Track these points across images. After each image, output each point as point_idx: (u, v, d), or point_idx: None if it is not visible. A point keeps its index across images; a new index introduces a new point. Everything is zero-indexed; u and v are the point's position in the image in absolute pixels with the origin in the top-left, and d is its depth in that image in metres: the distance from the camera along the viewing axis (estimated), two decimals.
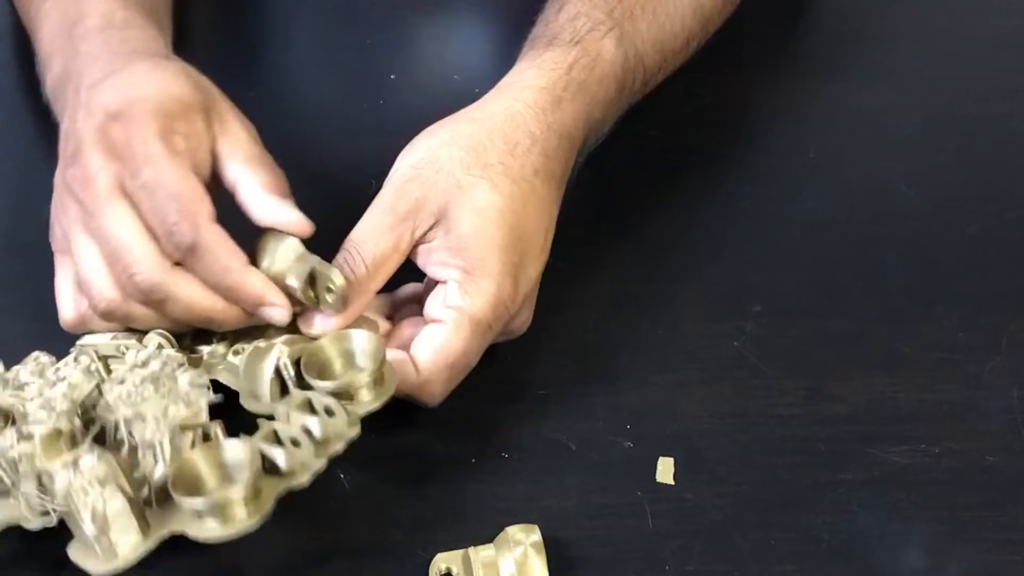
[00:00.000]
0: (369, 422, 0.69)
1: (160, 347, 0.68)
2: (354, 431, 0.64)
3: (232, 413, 0.66)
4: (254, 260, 0.67)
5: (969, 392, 0.72)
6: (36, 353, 0.67)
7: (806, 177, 0.83)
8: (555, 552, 0.64)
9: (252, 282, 0.66)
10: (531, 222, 0.69)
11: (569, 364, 0.73)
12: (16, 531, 0.63)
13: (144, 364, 0.65)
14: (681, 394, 0.72)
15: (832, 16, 0.93)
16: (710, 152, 0.84)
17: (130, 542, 0.61)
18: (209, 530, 0.61)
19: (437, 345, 0.67)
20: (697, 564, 0.66)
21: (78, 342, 0.70)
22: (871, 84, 0.88)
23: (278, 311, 0.67)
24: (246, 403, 0.68)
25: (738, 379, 0.73)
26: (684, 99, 0.83)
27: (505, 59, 0.75)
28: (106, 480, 0.60)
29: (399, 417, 0.70)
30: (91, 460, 0.61)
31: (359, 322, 0.69)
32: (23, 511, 0.63)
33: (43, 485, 0.61)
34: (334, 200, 0.76)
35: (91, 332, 0.69)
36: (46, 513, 0.62)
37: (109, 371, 0.68)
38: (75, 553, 0.62)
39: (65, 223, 0.68)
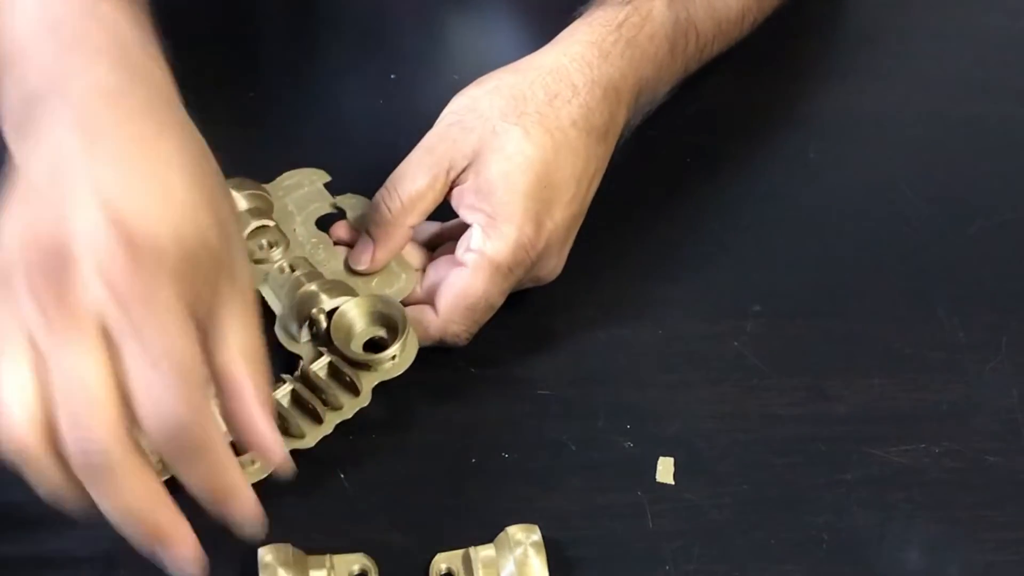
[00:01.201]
0: (369, 422, 0.70)
1: None
2: (364, 401, 0.67)
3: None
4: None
5: (969, 392, 0.72)
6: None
7: (806, 177, 0.83)
8: (555, 552, 0.64)
9: (243, 498, 0.56)
10: (562, 171, 0.71)
11: (569, 364, 0.73)
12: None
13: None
14: (681, 394, 0.72)
15: (832, 16, 0.93)
16: (710, 152, 0.84)
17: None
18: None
19: (457, 289, 0.69)
20: (697, 564, 0.66)
21: None
22: (871, 84, 0.88)
23: (253, 527, 0.57)
24: (278, 331, 0.70)
25: (738, 379, 0.73)
26: (684, 99, 0.83)
27: (507, 59, 0.75)
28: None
29: (399, 417, 0.70)
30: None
31: (397, 269, 0.72)
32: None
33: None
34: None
35: None
36: None
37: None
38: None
39: (4, 311, 0.52)
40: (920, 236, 0.80)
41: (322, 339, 0.69)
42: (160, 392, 0.51)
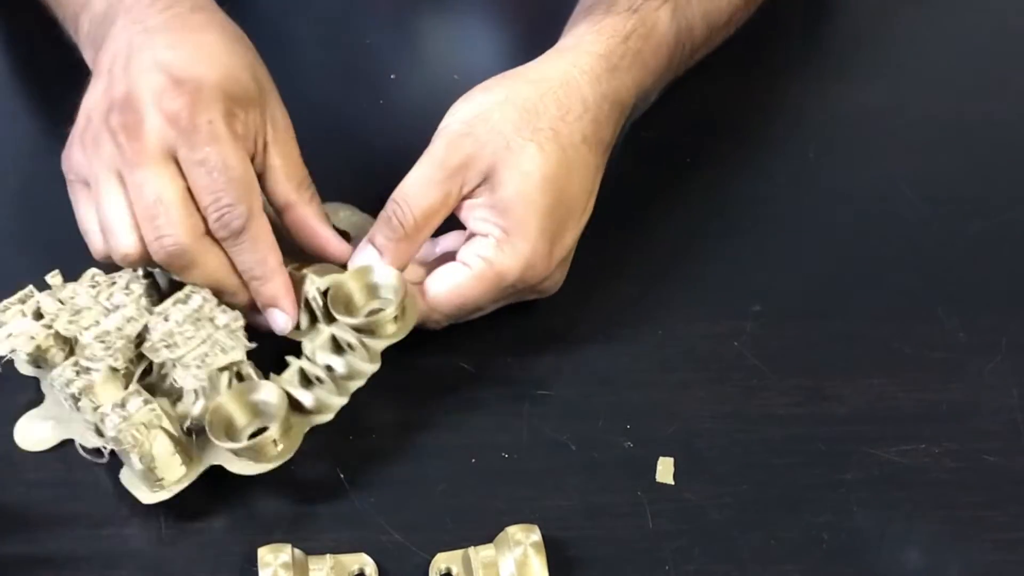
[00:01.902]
0: (369, 422, 0.70)
1: None
2: (375, 366, 0.67)
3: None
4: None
5: (969, 392, 0.72)
6: (92, 271, 0.69)
7: (806, 177, 0.83)
8: (555, 552, 0.64)
9: (277, 282, 0.68)
10: (574, 188, 0.71)
11: (569, 364, 0.73)
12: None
13: (186, 299, 0.68)
14: (681, 394, 0.72)
15: (832, 16, 0.93)
16: (710, 152, 0.84)
17: (175, 475, 0.65)
18: (245, 465, 0.65)
19: (454, 284, 0.69)
20: (697, 564, 0.66)
21: None
22: (871, 84, 0.88)
23: (283, 318, 0.69)
24: None
25: (738, 379, 0.73)
26: (684, 99, 0.83)
27: (506, 59, 0.76)
28: (151, 424, 0.64)
29: (399, 417, 0.70)
30: (137, 404, 0.64)
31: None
32: (83, 434, 0.67)
33: (95, 424, 0.65)
34: (334, 200, 0.76)
35: None
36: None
37: (159, 290, 0.70)
38: (126, 479, 0.66)
39: (95, 161, 0.68)
40: (920, 236, 0.80)
41: (323, 319, 0.69)
42: (216, 190, 0.66)
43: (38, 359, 0.68)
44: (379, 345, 0.68)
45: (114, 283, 0.69)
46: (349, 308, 0.69)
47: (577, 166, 0.71)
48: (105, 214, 0.67)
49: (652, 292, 0.77)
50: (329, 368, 0.67)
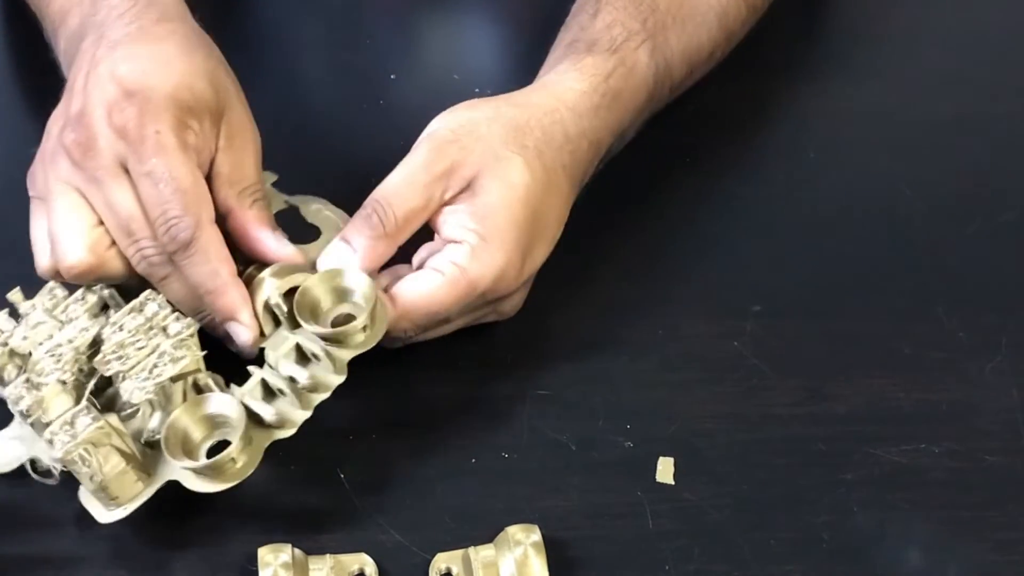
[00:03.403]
0: (369, 422, 0.70)
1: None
2: (340, 377, 0.65)
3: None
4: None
5: (969, 392, 0.72)
6: (51, 284, 0.68)
7: (806, 177, 0.83)
8: (555, 552, 0.64)
9: (231, 295, 0.67)
10: (550, 211, 0.71)
11: (569, 364, 0.73)
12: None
13: (141, 308, 0.66)
14: (681, 394, 0.72)
15: (832, 16, 0.93)
16: (710, 152, 0.84)
17: (129, 492, 0.64)
18: (204, 483, 0.63)
19: (424, 291, 0.68)
20: (697, 564, 0.66)
21: None
22: (871, 84, 0.88)
23: (244, 332, 0.67)
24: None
25: (738, 379, 0.73)
26: (683, 99, 0.83)
27: (505, 59, 0.76)
28: (100, 443, 0.62)
29: (399, 417, 0.70)
30: (86, 421, 0.62)
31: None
32: (46, 449, 0.65)
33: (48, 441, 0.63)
34: (334, 200, 0.76)
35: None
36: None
37: (116, 302, 0.68)
38: (84, 498, 0.65)
39: (51, 176, 0.68)
40: (920, 236, 0.80)
41: (287, 325, 0.67)
42: (163, 203, 0.65)
43: None
44: (346, 355, 0.65)
45: (67, 307, 0.67)
46: (315, 313, 0.67)
47: (555, 190, 0.71)
48: (54, 225, 0.67)
49: (652, 292, 0.77)
50: (292, 379, 0.65)
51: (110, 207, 0.66)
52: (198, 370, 0.65)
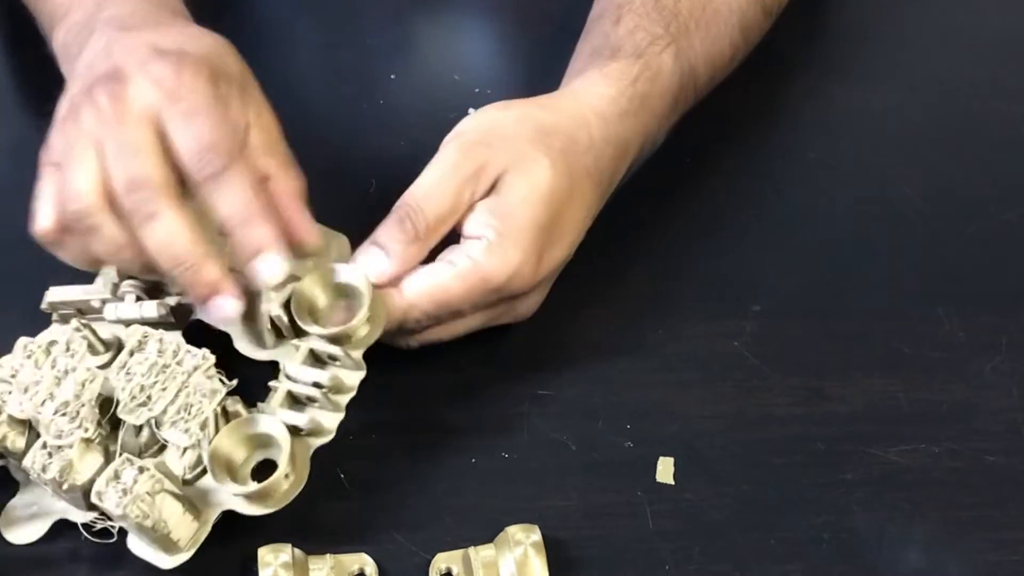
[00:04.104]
0: (369, 422, 0.70)
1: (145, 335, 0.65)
2: (360, 374, 0.66)
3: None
4: None
5: (969, 392, 0.72)
6: (23, 340, 0.65)
7: (806, 177, 0.83)
8: (555, 552, 0.64)
9: (267, 227, 0.64)
10: (571, 214, 0.71)
11: (569, 364, 0.73)
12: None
13: (141, 347, 0.64)
14: (681, 394, 0.72)
15: (833, 17, 0.93)
16: (710, 152, 0.84)
17: (189, 532, 0.63)
18: (257, 508, 0.63)
19: (436, 281, 0.68)
20: (697, 564, 0.66)
21: (46, 296, 0.69)
22: (870, 84, 0.88)
23: (275, 264, 0.64)
24: (239, 346, 0.68)
25: (738, 379, 0.73)
26: None
27: (506, 59, 0.76)
28: (154, 491, 0.61)
29: (399, 417, 0.70)
30: (132, 473, 0.61)
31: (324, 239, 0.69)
32: (67, 508, 0.64)
33: (91, 502, 0.62)
34: (334, 200, 0.75)
35: (56, 248, 0.66)
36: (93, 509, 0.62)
37: (101, 340, 0.66)
38: (136, 547, 0.63)
39: (72, 133, 0.66)
40: (920, 236, 0.80)
41: (292, 333, 0.67)
42: (198, 133, 0.64)
43: None
44: (358, 352, 0.66)
45: (51, 345, 0.65)
46: (313, 313, 0.67)
47: (578, 194, 0.71)
48: (70, 174, 0.64)
49: (652, 292, 0.77)
50: (317, 384, 0.65)
51: (117, 145, 0.64)
52: (224, 397, 0.64)
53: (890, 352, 0.74)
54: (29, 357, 0.64)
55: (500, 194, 0.69)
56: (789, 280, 0.78)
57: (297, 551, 0.63)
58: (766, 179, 0.83)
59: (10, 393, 0.64)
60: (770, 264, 0.78)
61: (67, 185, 0.65)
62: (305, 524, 0.66)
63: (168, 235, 0.63)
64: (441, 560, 0.65)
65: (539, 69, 0.77)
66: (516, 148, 0.70)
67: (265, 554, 0.63)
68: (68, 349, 0.65)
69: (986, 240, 0.79)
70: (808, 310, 0.76)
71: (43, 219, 0.66)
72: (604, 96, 0.74)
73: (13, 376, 0.64)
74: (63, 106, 0.68)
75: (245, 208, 0.64)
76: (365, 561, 0.65)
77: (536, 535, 0.64)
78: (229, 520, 0.66)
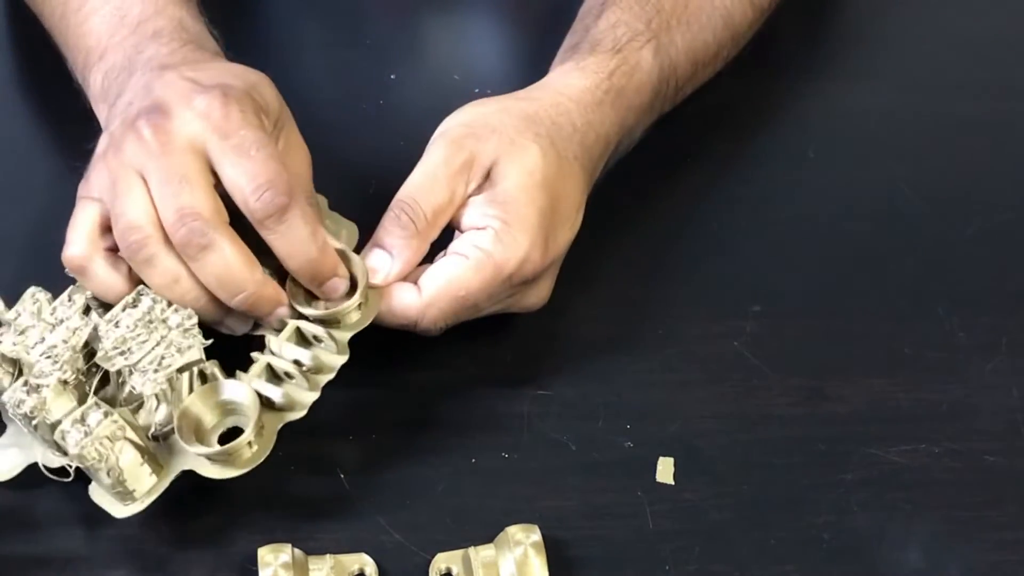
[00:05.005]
0: (369, 421, 0.70)
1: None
2: (343, 357, 0.66)
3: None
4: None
5: (969, 392, 0.72)
6: (33, 289, 0.67)
7: (806, 177, 0.83)
8: (555, 552, 0.64)
9: (333, 254, 0.67)
10: (567, 196, 0.71)
11: (569, 364, 0.73)
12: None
13: (135, 303, 0.65)
14: (681, 394, 0.72)
15: (833, 17, 0.93)
16: (710, 152, 0.84)
17: (146, 485, 0.64)
18: (219, 469, 0.64)
19: (451, 275, 0.68)
20: (697, 564, 0.66)
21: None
22: (870, 84, 0.88)
23: (343, 284, 0.67)
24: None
25: (738, 379, 0.73)
26: (684, 99, 0.83)
27: (505, 59, 0.76)
28: (115, 437, 0.62)
29: (399, 417, 0.70)
30: (98, 417, 0.62)
31: (334, 227, 0.71)
32: (44, 454, 0.65)
33: (55, 442, 0.63)
34: (334, 200, 0.76)
35: (83, 276, 0.67)
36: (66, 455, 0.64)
37: (99, 304, 0.68)
38: (96, 495, 0.64)
39: (114, 166, 0.66)
40: (920, 236, 0.80)
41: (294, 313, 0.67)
42: (255, 171, 0.64)
43: None
44: (345, 336, 0.66)
45: (55, 309, 0.67)
46: (309, 296, 0.67)
47: (570, 176, 0.71)
48: (120, 206, 0.65)
49: (652, 292, 0.77)
50: (297, 362, 0.66)
51: (164, 175, 0.64)
52: (202, 360, 0.65)
53: (890, 352, 0.74)
54: (35, 303, 0.66)
55: (496, 184, 0.69)
56: (789, 280, 0.78)
57: (297, 551, 0.63)
58: (766, 179, 0.83)
59: (4, 335, 0.66)
60: (770, 264, 0.78)
61: (121, 218, 0.65)
62: (305, 524, 0.66)
63: (225, 266, 0.65)
64: (441, 560, 0.65)
65: (539, 69, 0.77)
66: (504, 137, 0.70)
67: (265, 554, 0.63)
68: (69, 299, 0.67)
69: (986, 240, 0.79)
70: (808, 310, 0.76)
71: (75, 247, 0.66)
72: (578, 87, 0.74)
73: (15, 320, 0.66)
74: (102, 142, 0.68)
75: (312, 240, 0.66)
76: (365, 561, 0.65)
77: (536, 535, 0.64)
78: (229, 520, 0.66)
